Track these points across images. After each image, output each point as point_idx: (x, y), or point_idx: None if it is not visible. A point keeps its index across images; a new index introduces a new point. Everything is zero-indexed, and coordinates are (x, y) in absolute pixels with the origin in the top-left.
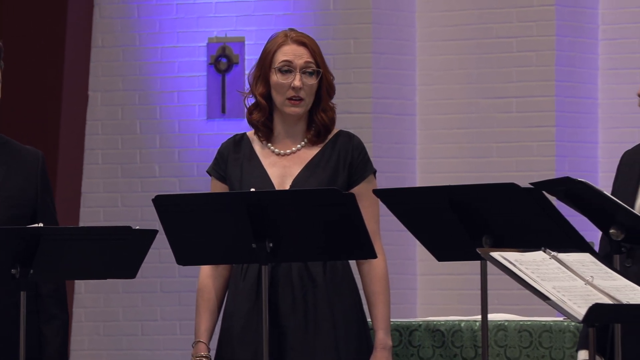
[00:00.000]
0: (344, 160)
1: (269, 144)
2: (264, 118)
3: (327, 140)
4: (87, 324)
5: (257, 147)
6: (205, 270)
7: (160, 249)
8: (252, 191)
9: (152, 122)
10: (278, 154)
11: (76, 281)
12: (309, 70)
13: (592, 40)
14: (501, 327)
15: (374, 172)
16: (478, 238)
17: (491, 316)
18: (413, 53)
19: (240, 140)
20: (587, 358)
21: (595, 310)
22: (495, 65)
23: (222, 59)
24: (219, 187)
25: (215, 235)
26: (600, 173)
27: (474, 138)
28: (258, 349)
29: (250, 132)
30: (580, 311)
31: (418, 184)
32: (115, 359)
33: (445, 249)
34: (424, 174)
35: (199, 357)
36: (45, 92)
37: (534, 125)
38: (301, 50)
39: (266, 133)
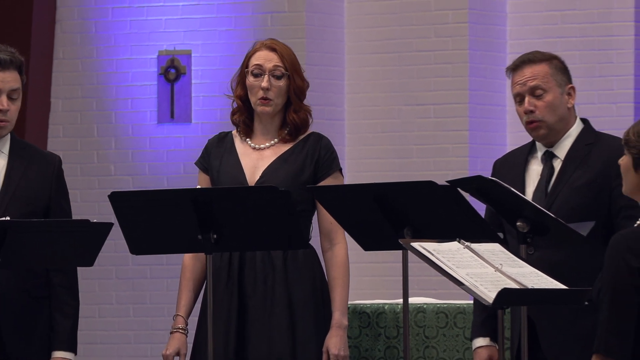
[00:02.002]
0: (312, 157)
1: (248, 139)
2: (244, 117)
3: (299, 139)
4: None
5: (238, 142)
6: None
7: (116, 240)
8: (198, 188)
9: (108, 126)
10: (254, 148)
11: None
12: (277, 73)
13: (501, 54)
14: (420, 309)
15: (340, 169)
16: (400, 230)
17: (412, 300)
18: (342, 65)
19: (224, 137)
20: (484, 344)
21: (504, 294)
22: (415, 75)
23: (171, 70)
24: (203, 177)
25: (165, 227)
26: None
27: (397, 141)
28: (228, 322)
29: (235, 131)
30: (490, 295)
31: (347, 182)
32: None
33: (371, 239)
34: (352, 173)
35: (176, 329)
36: None
37: (450, 129)
38: (271, 55)
39: (246, 130)
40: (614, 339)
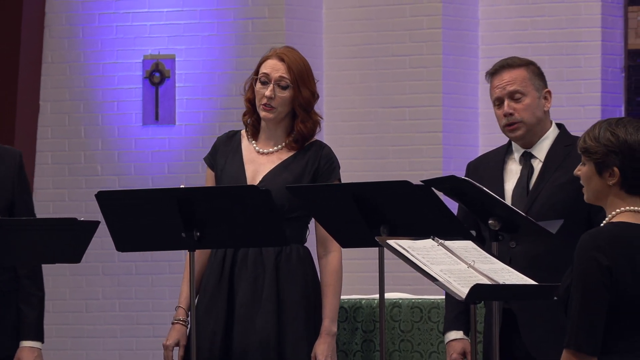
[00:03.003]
0: (311, 166)
1: (254, 142)
2: (253, 119)
3: (302, 147)
4: None
5: (245, 143)
6: None
7: (102, 238)
8: (182, 187)
9: (95, 127)
10: (258, 152)
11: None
12: (282, 84)
13: (473, 59)
14: (396, 304)
15: (339, 178)
16: (376, 228)
17: (387, 295)
18: (320, 69)
19: (233, 136)
20: (457, 337)
21: (476, 289)
22: (391, 79)
23: (156, 74)
24: (209, 173)
25: (149, 225)
26: None
27: (373, 142)
28: (218, 318)
29: (244, 130)
30: (463, 290)
31: None
32: (63, 332)
33: (348, 237)
34: None
35: (177, 320)
36: (2, 102)
37: (424, 131)
38: (279, 65)
39: (253, 132)
40: (584, 335)
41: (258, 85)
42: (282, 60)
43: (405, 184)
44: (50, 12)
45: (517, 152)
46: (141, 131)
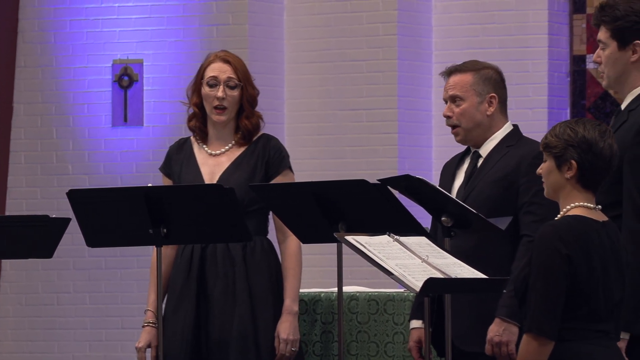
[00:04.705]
0: (262, 158)
1: (204, 146)
2: (199, 124)
3: (251, 142)
4: (12, 296)
5: (196, 148)
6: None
7: (73, 234)
8: (149, 186)
9: (66, 129)
10: (210, 154)
11: (2, 260)
12: (231, 84)
13: (427, 63)
14: (353, 297)
15: (289, 167)
16: (335, 224)
17: (345, 288)
18: (282, 73)
19: (183, 144)
20: (418, 326)
21: (430, 283)
22: (349, 83)
23: (125, 77)
24: (167, 182)
25: (118, 222)
26: (433, 171)
27: (332, 143)
28: (187, 314)
29: (193, 137)
30: (417, 284)
31: None
32: (36, 324)
33: (308, 233)
34: None
35: (147, 323)
36: None
37: (380, 132)
38: (225, 67)
39: (202, 136)
40: (545, 319)
41: (206, 89)
42: (227, 62)
43: (362, 182)
44: (24, 19)
45: (471, 151)
46: (110, 132)
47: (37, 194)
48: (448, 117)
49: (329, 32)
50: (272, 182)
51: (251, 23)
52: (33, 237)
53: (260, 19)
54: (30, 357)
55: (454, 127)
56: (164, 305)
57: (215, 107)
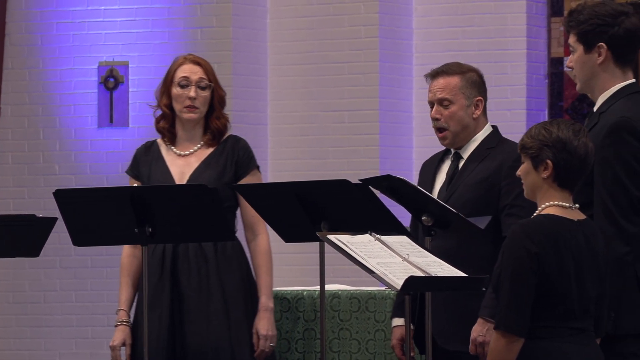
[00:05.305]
0: (232, 159)
1: (172, 147)
2: (168, 125)
3: (219, 143)
4: None
5: (164, 150)
6: (126, 251)
7: (60, 233)
8: (135, 186)
9: (53, 129)
10: (179, 155)
11: None
12: (202, 84)
13: (408, 65)
14: (336, 295)
15: (257, 167)
16: (317, 223)
17: (328, 286)
18: (265, 75)
19: (150, 146)
20: (400, 324)
21: (410, 281)
22: (331, 85)
23: (110, 79)
24: (134, 184)
25: (104, 221)
26: (414, 171)
27: (314, 143)
28: (162, 312)
29: (159, 139)
30: (398, 282)
31: (269, 181)
32: (23, 322)
33: (291, 232)
34: (275, 172)
35: (119, 322)
36: None
37: (362, 133)
38: (196, 69)
39: (170, 137)
40: (513, 317)
41: (177, 90)
42: (197, 64)
43: (344, 182)
44: (11, 21)
45: (452, 152)
46: (96, 133)
47: (24, 194)
48: (436, 120)
49: (311, 35)
50: (241, 181)
51: (235, 26)
52: (20, 236)
53: (244, 21)
54: (17, 354)
55: (441, 130)
56: (136, 304)
57: (186, 106)
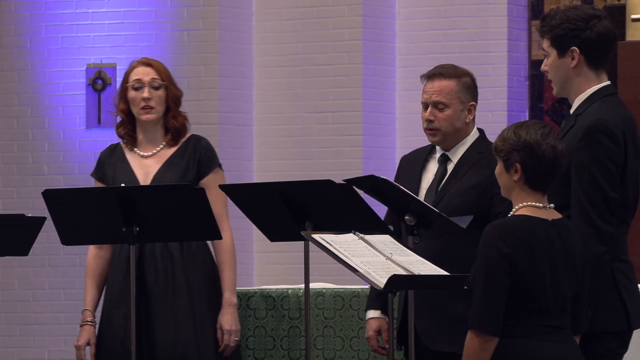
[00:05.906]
0: (194, 158)
1: (135, 149)
2: (127, 129)
3: (181, 143)
4: None
5: (127, 152)
6: (92, 252)
7: (48, 232)
8: (123, 186)
9: (42, 130)
10: (142, 156)
11: None
12: (155, 84)
13: (391, 68)
14: (320, 293)
15: (220, 165)
16: (302, 223)
17: (312, 285)
18: (251, 76)
19: (114, 148)
20: (374, 316)
21: (394, 280)
22: (316, 86)
23: (98, 81)
24: (99, 186)
25: (92, 221)
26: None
27: (299, 144)
28: (128, 312)
29: (122, 142)
30: (382, 280)
31: (255, 181)
32: (12, 320)
33: (276, 231)
34: (260, 172)
35: (85, 321)
36: None
37: (346, 134)
38: (148, 70)
39: (131, 141)
40: (486, 316)
41: (132, 93)
42: (149, 65)
43: (328, 182)
44: (0, 24)
45: (438, 152)
46: (85, 134)
47: (13, 194)
48: (430, 121)
49: (296, 38)
50: (204, 179)
51: (221, 28)
52: (9, 236)
53: (230, 24)
54: (6, 351)
55: (432, 129)
56: (102, 303)
57: (142, 108)
